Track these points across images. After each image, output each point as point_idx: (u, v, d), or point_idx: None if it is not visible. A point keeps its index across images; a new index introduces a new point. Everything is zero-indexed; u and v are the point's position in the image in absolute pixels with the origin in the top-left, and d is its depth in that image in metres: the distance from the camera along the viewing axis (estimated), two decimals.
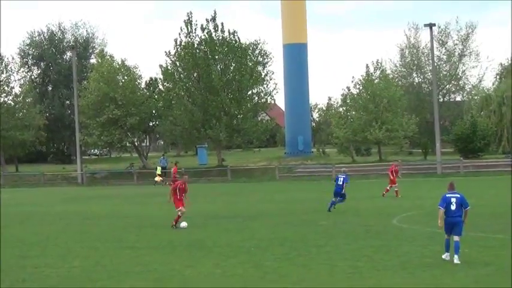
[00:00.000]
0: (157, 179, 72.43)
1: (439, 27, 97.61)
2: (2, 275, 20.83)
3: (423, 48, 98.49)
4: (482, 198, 41.92)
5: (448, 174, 66.46)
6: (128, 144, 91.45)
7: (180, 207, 31.25)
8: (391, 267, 20.32)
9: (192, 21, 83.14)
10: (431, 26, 76.78)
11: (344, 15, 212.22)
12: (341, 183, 37.49)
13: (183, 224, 31.23)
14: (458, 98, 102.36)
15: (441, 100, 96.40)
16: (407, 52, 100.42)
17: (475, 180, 60.38)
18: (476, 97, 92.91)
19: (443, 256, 21.11)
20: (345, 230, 28.89)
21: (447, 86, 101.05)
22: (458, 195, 21.14)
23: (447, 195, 21.03)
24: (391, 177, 46.29)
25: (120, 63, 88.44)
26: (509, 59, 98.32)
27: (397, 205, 38.95)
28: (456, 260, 20.46)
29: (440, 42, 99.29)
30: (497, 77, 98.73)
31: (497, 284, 17.75)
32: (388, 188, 46.09)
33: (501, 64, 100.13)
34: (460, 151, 79.54)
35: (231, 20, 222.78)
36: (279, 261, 21.86)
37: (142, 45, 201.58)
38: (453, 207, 20.87)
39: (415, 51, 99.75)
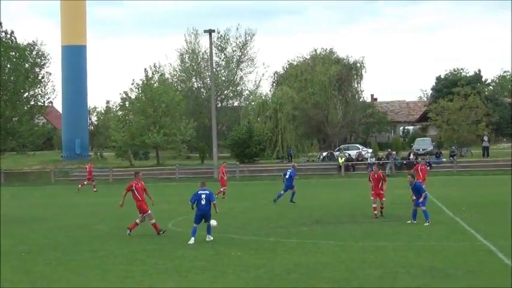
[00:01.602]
0: None
1: (219, 33, 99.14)
2: None
3: (203, 53, 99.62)
4: (255, 202, 42.93)
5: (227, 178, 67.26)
6: None
7: (149, 212, 27.97)
8: (164, 270, 20.30)
9: None
10: (210, 32, 77.73)
11: (125, 19, 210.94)
12: (288, 176, 40.53)
13: (214, 222, 25.61)
14: (236, 104, 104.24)
15: (219, 105, 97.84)
16: (187, 57, 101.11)
17: (249, 185, 61.80)
18: (253, 103, 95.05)
19: (190, 241, 25.02)
20: (120, 234, 28.60)
21: (225, 92, 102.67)
22: (208, 192, 25.35)
23: (199, 192, 25.29)
24: (224, 178, 46.90)
25: None
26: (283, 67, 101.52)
27: (174, 209, 39.06)
28: (208, 238, 25.40)
29: (220, 48, 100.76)
30: (274, 83, 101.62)
31: (268, 285, 18.11)
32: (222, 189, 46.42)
33: (276, 72, 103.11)
34: (236, 156, 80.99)
35: (9, 19, 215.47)
36: (51, 267, 21.32)
37: None
38: (203, 201, 25.14)
39: (194, 56, 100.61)
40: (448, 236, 25.55)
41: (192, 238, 25.25)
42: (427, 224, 28.57)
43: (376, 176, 32.36)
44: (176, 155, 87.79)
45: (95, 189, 58.08)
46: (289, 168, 42.11)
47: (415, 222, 29.16)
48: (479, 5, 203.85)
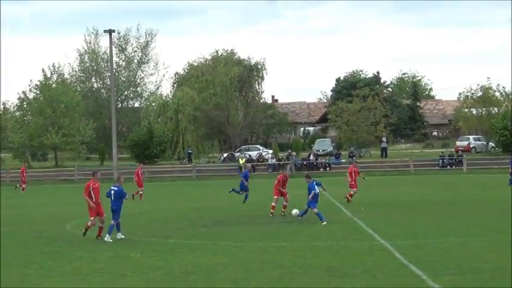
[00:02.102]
0: None
1: (119, 33, 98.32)
2: None
3: (103, 54, 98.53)
4: (155, 204, 42.70)
5: (126, 179, 66.64)
6: None
7: (101, 216, 26.36)
8: (61, 273, 19.95)
9: None
10: (110, 32, 76.96)
11: (21, 17, 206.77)
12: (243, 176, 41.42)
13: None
14: (136, 104, 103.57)
15: (119, 106, 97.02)
16: (86, 57, 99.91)
17: (150, 186, 61.30)
18: (153, 104, 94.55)
19: (118, 237, 26.04)
20: (16, 237, 28.02)
21: (126, 92, 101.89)
22: (116, 188, 26.19)
23: (111, 188, 26.27)
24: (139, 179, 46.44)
25: None
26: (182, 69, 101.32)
27: (71, 211, 38.50)
28: (119, 236, 26.20)
29: (120, 48, 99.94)
30: (174, 84, 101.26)
31: (167, 286, 17.99)
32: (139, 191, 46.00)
33: (177, 73, 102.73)
34: (136, 157, 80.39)
35: None
36: None
37: None
38: (113, 197, 26.06)
39: (94, 56, 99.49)
40: (346, 236, 25.84)
41: (119, 234, 26.36)
42: (325, 223, 28.88)
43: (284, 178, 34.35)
44: (75, 156, 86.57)
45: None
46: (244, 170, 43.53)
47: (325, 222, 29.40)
48: (378, 7, 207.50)
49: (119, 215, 26.22)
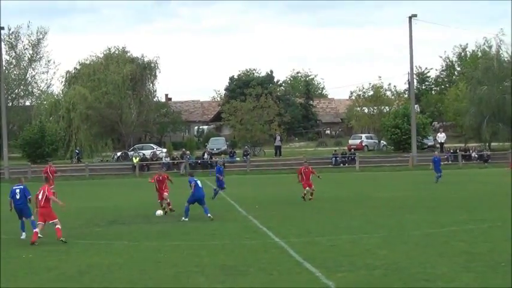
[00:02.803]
0: None
1: (10, 29, 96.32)
2: None
3: None
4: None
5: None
6: None
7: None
8: None
9: None
10: (0, 28, 75.33)
11: None
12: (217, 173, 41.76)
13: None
14: (28, 103, 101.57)
15: (10, 104, 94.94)
16: None
17: (39, 186, 60.14)
18: (45, 102, 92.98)
19: (22, 236, 26.11)
20: None
21: (16, 91, 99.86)
22: (22, 187, 26.34)
23: (14, 188, 26.36)
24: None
25: None
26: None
27: None
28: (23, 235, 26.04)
29: (10, 45, 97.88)
30: (66, 83, 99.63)
31: (60, 287, 17.79)
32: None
33: (68, 72, 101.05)
34: (28, 156, 78.95)
35: None
36: None
37: None
38: (18, 196, 26.00)
39: None
40: (241, 235, 25.96)
41: (23, 233, 26.34)
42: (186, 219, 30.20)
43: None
44: None
45: None
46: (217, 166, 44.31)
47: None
48: (272, 8, 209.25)
49: (27, 213, 26.10)
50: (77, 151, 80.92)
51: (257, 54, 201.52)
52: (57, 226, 25.02)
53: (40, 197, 25.16)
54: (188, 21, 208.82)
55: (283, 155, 79.39)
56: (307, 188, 38.59)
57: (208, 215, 30.13)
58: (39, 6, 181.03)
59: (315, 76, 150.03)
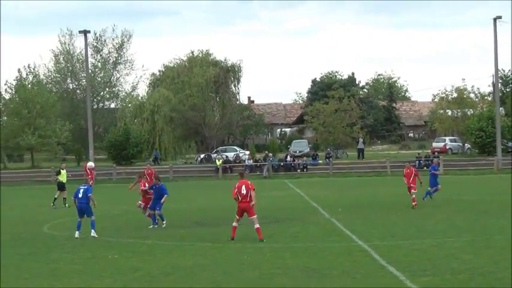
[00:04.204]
0: None
1: (95, 34, 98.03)
2: None
3: (78, 54, 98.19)
4: (132, 205, 42.48)
5: (103, 180, 66.40)
6: None
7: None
8: (39, 275, 19.88)
9: None
10: (85, 32, 76.66)
11: None
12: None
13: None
14: (113, 105, 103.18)
15: (95, 107, 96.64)
16: (62, 58, 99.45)
17: (127, 187, 60.96)
18: (130, 105, 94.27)
19: (76, 235, 26.70)
20: None
21: (101, 93, 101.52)
22: (86, 187, 27.32)
23: (79, 187, 27.33)
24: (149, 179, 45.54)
25: None
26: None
27: (48, 212, 38.34)
28: (93, 233, 26.74)
29: (96, 49, 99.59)
30: (150, 85, 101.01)
31: (145, 287, 18.02)
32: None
33: (153, 74, 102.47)
34: (113, 158, 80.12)
35: None
36: None
37: None
38: (80, 195, 26.97)
39: (69, 57, 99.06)
40: (324, 237, 25.91)
41: (77, 232, 26.88)
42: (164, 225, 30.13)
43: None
44: (52, 157, 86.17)
45: None
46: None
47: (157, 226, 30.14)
48: (352, 8, 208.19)
49: (89, 212, 27.04)
50: (155, 153, 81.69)
51: (338, 56, 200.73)
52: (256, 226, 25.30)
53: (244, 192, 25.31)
54: (269, 23, 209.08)
55: (365, 158, 78.89)
56: (412, 190, 36.49)
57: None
58: (122, 10, 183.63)
59: (398, 78, 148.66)
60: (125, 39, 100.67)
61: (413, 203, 35.60)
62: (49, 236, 28.36)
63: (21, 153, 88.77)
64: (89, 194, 27.00)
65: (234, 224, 25.61)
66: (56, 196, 41.66)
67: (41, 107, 79.00)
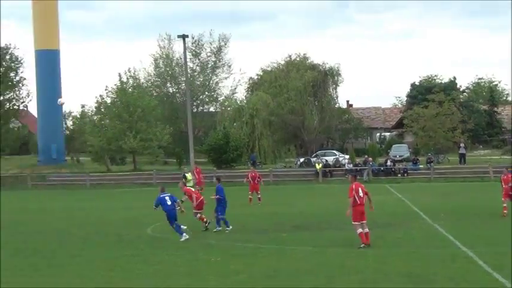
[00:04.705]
0: None
1: (193, 38, 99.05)
2: None
3: (177, 59, 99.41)
4: (233, 208, 42.81)
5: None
6: None
7: None
8: (144, 276, 20.22)
9: None
10: (184, 37, 77.51)
11: (99, 23, 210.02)
12: None
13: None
14: (212, 109, 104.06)
15: (195, 110, 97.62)
16: (161, 62, 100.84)
17: (227, 190, 61.22)
18: (229, 108, 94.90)
19: (182, 238, 27.41)
20: (98, 240, 28.50)
21: (201, 97, 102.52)
22: (169, 194, 28.07)
23: (161, 196, 27.93)
24: (252, 182, 45.87)
25: None
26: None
27: (151, 214, 38.89)
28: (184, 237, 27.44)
29: (194, 53, 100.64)
30: (249, 89, 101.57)
31: None
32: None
33: (251, 78, 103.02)
34: (213, 161, 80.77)
35: None
36: (27, 272, 21.17)
37: None
38: (169, 202, 27.68)
39: (168, 61, 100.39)
40: (427, 243, 25.59)
41: (182, 235, 27.65)
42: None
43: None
44: (153, 160, 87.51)
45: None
46: None
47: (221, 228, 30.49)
48: (451, 10, 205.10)
49: (176, 217, 27.97)
50: (252, 156, 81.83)
51: (437, 60, 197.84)
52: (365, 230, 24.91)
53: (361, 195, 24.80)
54: (366, 27, 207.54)
55: (467, 163, 77.55)
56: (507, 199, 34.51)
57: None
58: (219, 15, 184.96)
59: (499, 82, 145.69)
60: (223, 43, 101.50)
61: (504, 212, 34.04)
62: (152, 238, 28.83)
63: (123, 156, 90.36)
64: (178, 200, 28.19)
65: (359, 230, 24.76)
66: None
67: (141, 111, 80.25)
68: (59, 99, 59.19)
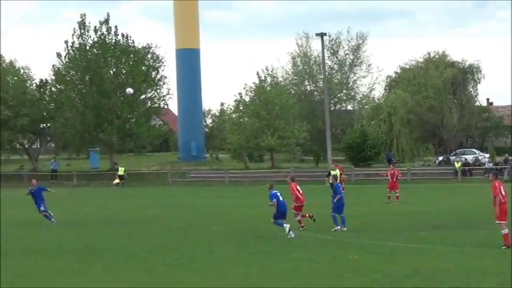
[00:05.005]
0: (116, 181, 71.11)
1: (330, 36, 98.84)
2: None
3: (315, 57, 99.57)
4: (371, 206, 42.66)
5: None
6: (18, 146, 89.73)
7: None
8: (281, 273, 20.36)
9: (85, 22, 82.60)
10: (322, 35, 77.57)
11: (236, 23, 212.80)
12: None
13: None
14: (349, 107, 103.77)
15: (332, 108, 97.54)
16: (299, 61, 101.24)
17: (365, 188, 61.27)
18: (366, 106, 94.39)
19: (291, 235, 27.63)
20: (236, 236, 28.90)
21: (338, 95, 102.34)
22: (278, 191, 28.31)
23: (273, 192, 28.28)
24: (390, 181, 45.75)
25: (8, 63, 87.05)
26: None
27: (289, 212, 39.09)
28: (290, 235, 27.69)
29: (332, 51, 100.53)
30: (387, 87, 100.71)
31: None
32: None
33: (389, 76, 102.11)
34: (351, 159, 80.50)
35: (123, 23, 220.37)
36: (170, 267, 21.68)
37: (34, 46, 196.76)
38: (281, 198, 28.30)
39: (306, 59, 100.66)
40: None
41: (290, 232, 27.90)
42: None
43: None
44: (290, 158, 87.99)
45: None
46: None
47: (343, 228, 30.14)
48: None
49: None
50: (388, 154, 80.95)
51: None
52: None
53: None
54: (507, 24, 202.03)
55: None
56: None
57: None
58: (356, 12, 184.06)
59: None
60: (360, 41, 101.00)
61: None
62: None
63: (261, 154, 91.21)
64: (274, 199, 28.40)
65: (505, 231, 23.99)
66: None
67: (279, 109, 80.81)
68: (128, 89, 60.74)
